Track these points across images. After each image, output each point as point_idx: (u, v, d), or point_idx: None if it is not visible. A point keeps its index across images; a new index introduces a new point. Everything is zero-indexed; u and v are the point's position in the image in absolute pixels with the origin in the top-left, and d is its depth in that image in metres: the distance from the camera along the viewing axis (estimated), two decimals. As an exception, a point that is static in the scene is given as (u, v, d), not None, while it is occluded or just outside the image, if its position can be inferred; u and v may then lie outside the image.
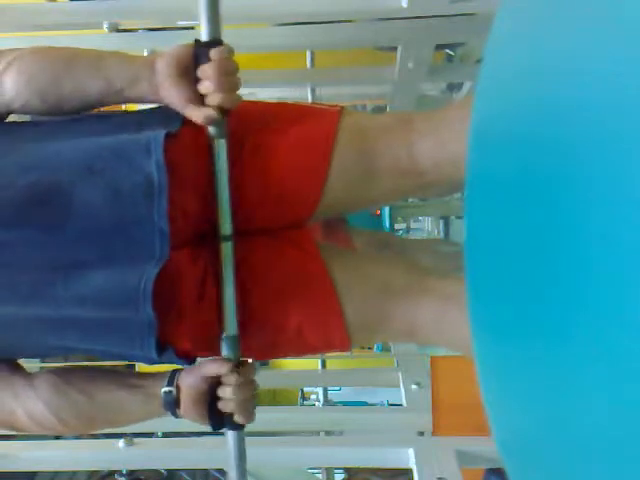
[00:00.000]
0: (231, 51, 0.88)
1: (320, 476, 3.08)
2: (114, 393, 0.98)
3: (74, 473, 3.67)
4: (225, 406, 0.94)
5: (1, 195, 0.86)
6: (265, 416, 2.08)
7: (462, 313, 0.77)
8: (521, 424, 0.66)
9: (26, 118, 1.23)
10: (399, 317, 1.01)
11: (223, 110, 0.89)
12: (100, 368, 1.05)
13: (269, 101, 1.23)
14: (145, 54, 1.69)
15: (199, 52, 0.88)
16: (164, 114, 0.93)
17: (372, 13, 1.74)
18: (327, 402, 3.16)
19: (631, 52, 0.43)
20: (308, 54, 2.47)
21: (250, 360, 1.02)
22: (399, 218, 4.55)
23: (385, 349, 3.68)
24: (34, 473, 3.18)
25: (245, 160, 0.98)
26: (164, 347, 0.93)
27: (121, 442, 1.58)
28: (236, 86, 0.89)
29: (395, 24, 1.82)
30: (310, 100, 2.41)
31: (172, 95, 0.89)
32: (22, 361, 1.06)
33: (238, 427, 0.96)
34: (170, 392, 0.94)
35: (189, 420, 0.97)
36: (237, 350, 0.95)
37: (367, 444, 1.66)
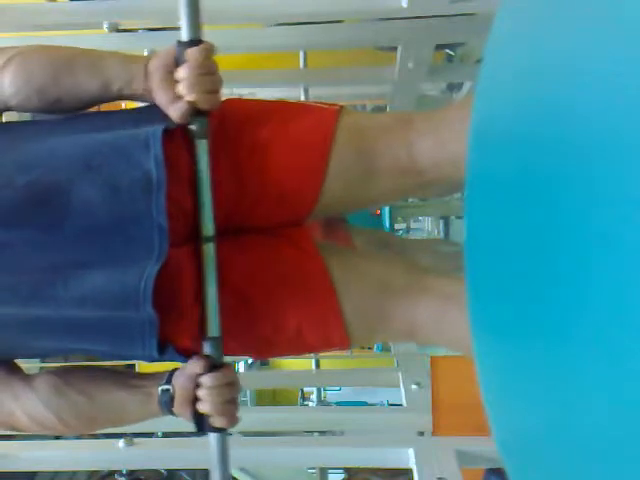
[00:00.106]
0: (208, 50, 0.87)
1: (314, 475, 3.08)
2: (114, 393, 0.97)
3: (74, 473, 3.67)
4: (202, 407, 0.93)
5: (0, 195, 0.87)
6: (265, 416, 2.09)
7: (462, 313, 0.77)
8: (521, 424, 0.66)
9: (26, 117, 1.24)
10: (398, 316, 1.01)
11: (199, 111, 0.89)
12: (100, 368, 1.05)
13: (268, 99, 1.22)
14: (145, 54, 1.69)
15: (178, 53, 0.88)
16: (162, 111, 0.94)
17: (372, 13, 1.74)
18: (321, 402, 3.16)
19: (631, 52, 0.43)
20: (301, 54, 2.47)
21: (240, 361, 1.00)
22: (399, 218, 4.55)
23: (385, 349, 3.68)
24: (34, 473, 3.17)
25: (243, 158, 0.98)
26: (164, 345, 0.93)
27: (121, 442, 1.58)
28: (213, 85, 0.88)
29: (395, 24, 1.81)
30: (303, 100, 2.40)
31: (159, 96, 0.90)
32: (22, 361, 1.06)
33: (217, 429, 0.94)
34: (167, 390, 0.94)
35: (185, 420, 0.96)
36: (220, 351, 0.94)
37: (367, 444, 1.66)
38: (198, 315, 0.94)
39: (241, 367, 4.59)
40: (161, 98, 0.90)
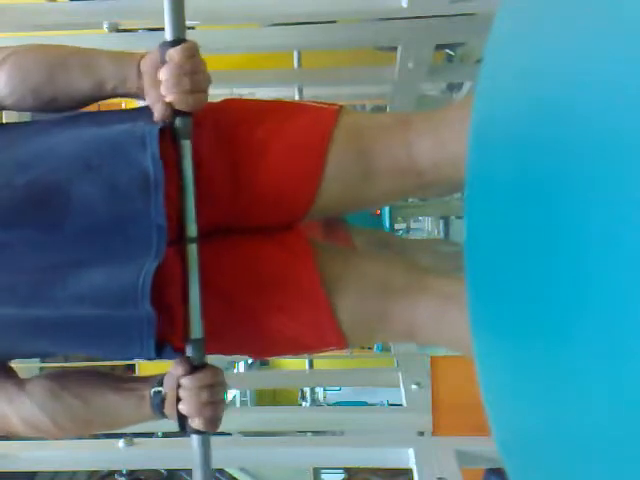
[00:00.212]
0: (188, 50, 0.86)
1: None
2: (108, 396, 0.97)
3: (74, 473, 3.67)
4: (181, 408, 0.92)
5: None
6: (265, 416, 2.09)
7: (462, 313, 0.76)
8: (521, 424, 0.66)
9: (26, 117, 1.24)
10: (398, 316, 1.01)
11: (178, 111, 0.88)
12: (95, 372, 1.04)
13: (266, 99, 1.22)
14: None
15: (161, 53, 0.87)
16: None
17: (372, 13, 1.74)
18: (314, 402, 3.16)
19: (631, 52, 0.43)
20: (295, 54, 2.47)
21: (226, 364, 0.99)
22: (399, 218, 4.56)
23: (385, 349, 3.68)
24: (34, 473, 3.18)
25: (239, 158, 0.98)
26: (162, 345, 0.93)
27: (121, 442, 1.58)
28: (194, 85, 0.86)
29: (395, 24, 1.82)
30: (298, 100, 2.40)
31: (148, 96, 0.90)
32: (22, 360, 1.06)
33: (197, 431, 0.93)
34: (159, 392, 0.94)
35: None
36: (202, 352, 0.93)
37: (367, 444, 1.65)
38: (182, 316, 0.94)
39: (241, 367, 4.60)
40: (149, 98, 0.90)
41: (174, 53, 0.86)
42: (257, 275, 1.00)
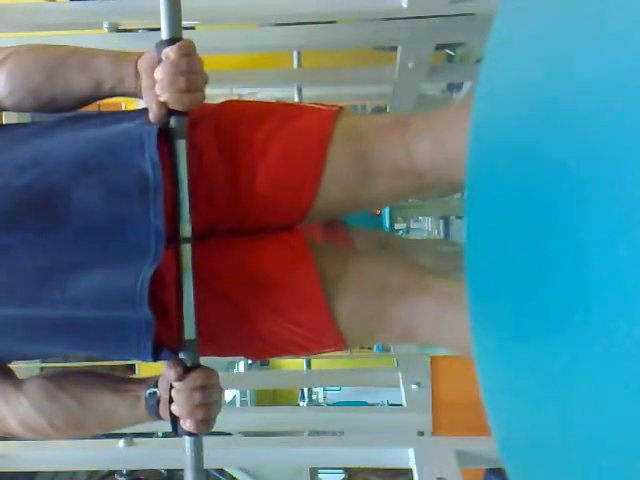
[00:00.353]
0: (183, 48, 0.85)
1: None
2: (104, 397, 0.97)
3: (74, 473, 3.67)
4: (173, 409, 0.92)
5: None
6: (265, 416, 2.09)
7: (461, 314, 0.76)
8: (521, 424, 0.66)
9: (25, 117, 1.24)
10: (397, 316, 1.00)
11: (173, 111, 0.87)
12: (92, 373, 1.04)
13: (266, 100, 1.22)
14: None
15: (157, 52, 0.87)
16: None
17: (372, 13, 1.74)
18: (312, 402, 3.17)
19: (631, 52, 0.43)
20: (295, 54, 2.47)
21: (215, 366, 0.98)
22: (399, 218, 4.56)
23: (385, 349, 3.68)
24: (34, 473, 3.17)
25: (239, 160, 0.98)
26: (160, 348, 0.92)
27: (121, 442, 1.58)
28: (190, 85, 0.86)
29: (395, 24, 1.82)
30: (297, 100, 2.40)
31: (144, 97, 0.89)
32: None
33: (189, 433, 0.93)
34: (154, 394, 0.94)
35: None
36: (194, 354, 0.93)
37: (367, 444, 1.65)
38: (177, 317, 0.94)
39: (241, 367, 4.60)
40: (145, 98, 0.89)
41: (170, 52, 0.85)
42: (253, 276, 0.99)
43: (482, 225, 0.71)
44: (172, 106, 0.87)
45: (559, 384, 0.54)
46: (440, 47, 2.34)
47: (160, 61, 0.86)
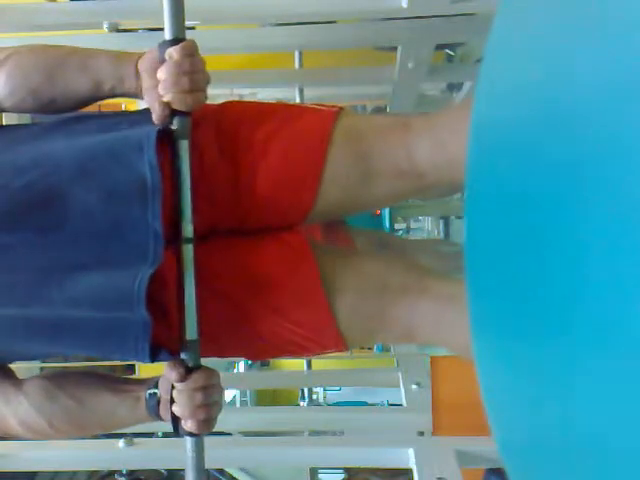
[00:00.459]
0: (187, 48, 0.85)
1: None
2: (104, 397, 0.97)
3: (74, 473, 3.67)
4: (174, 410, 0.92)
5: None
6: (265, 416, 2.09)
7: (461, 315, 0.76)
8: (521, 424, 0.66)
9: (25, 118, 1.24)
10: (397, 317, 1.00)
11: (176, 111, 0.87)
12: (92, 373, 1.04)
13: (266, 101, 1.22)
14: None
15: (160, 53, 0.87)
16: None
17: (372, 13, 1.74)
18: (312, 402, 3.17)
19: (631, 52, 0.43)
20: (296, 54, 2.47)
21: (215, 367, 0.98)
22: (399, 218, 4.56)
23: (385, 349, 3.68)
24: (34, 473, 3.18)
25: (241, 159, 0.98)
26: (158, 349, 0.92)
27: (121, 442, 1.58)
28: (193, 85, 0.85)
29: (395, 24, 1.82)
30: (298, 100, 2.40)
31: (146, 97, 0.89)
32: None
33: (190, 434, 0.93)
34: (154, 394, 0.94)
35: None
36: (196, 354, 0.93)
37: (367, 444, 1.65)
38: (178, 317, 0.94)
39: (241, 367, 4.60)
40: (147, 98, 0.89)
41: (173, 52, 0.85)
42: (254, 276, 0.99)
43: (482, 225, 0.71)
44: (175, 106, 0.87)
45: (559, 384, 0.54)
46: (440, 47, 2.34)
47: (162, 61, 0.86)
